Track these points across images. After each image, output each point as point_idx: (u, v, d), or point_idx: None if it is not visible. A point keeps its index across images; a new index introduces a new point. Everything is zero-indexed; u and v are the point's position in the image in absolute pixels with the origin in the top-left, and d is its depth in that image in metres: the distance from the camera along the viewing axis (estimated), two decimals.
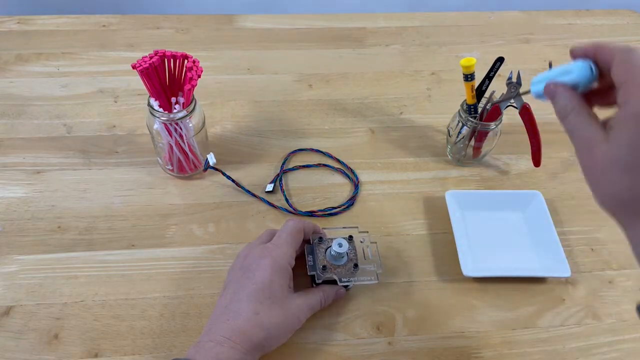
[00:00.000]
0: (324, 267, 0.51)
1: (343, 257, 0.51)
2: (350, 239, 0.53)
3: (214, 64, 0.82)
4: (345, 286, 0.54)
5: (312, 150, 0.70)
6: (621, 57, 0.35)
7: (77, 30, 0.87)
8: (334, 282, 0.51)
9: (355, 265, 0.51)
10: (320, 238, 0.53)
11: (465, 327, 0.54)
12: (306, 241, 0.54)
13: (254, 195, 0.64)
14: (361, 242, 0.54)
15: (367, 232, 0.55)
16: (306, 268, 0.51)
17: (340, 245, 0.50)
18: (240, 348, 0.43)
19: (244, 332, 0.44)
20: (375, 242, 0.54)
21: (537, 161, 0.67)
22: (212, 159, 0.62)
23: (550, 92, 0.39)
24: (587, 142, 0.36)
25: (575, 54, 0.38)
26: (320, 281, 0.51)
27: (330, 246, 0.52)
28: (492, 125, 0.63)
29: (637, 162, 0.33)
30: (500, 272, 0.57)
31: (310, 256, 0.52)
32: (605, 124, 0.36)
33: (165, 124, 0.59)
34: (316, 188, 0.66)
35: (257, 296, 0.45)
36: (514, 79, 0.61)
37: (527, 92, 0.42)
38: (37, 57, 0.81)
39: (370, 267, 0.52)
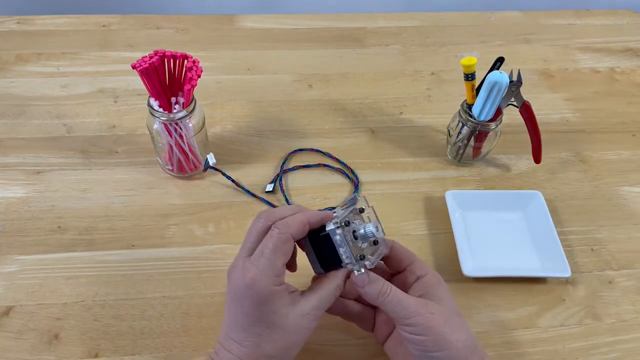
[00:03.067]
0: (362, 256, 0.43)
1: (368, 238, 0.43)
2: (361, 211, 0.45)
3: (214, 64, 0.82)
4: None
5: (312, 150, 0.70)
6: (394, 246, 0.45)
7: (77, 30, 0.87)
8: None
9: (375, 242, 0.43)
10: (347, 222, 0.43)
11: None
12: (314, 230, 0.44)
13: (253, 195, 0.64)
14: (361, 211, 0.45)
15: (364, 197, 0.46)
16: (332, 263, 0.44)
17: (377, 228, 0.42)
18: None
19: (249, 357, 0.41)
20: (372, 206, 0.45)
21: (537, 158, 0.67)
22: (211, 159, 0.61)
23: (361, 279, 0.42)
24: (419, 306, 0.41)
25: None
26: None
27: (357, 230, 0.43)
28: (492, 125, 0.63)
29: (450, 324, 0.41)
30: (500, 272, 0.57)
31: (342, 248, 0.42)
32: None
33: (165, 124, 0.59)
34: (316, 188, 0.66)
35: (252, 329, 0.41)
36: (514, 79, 0.61)
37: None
38: (37, 57, 0.81)
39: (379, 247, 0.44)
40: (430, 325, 0.40)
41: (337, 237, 0.41)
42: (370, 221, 0.44)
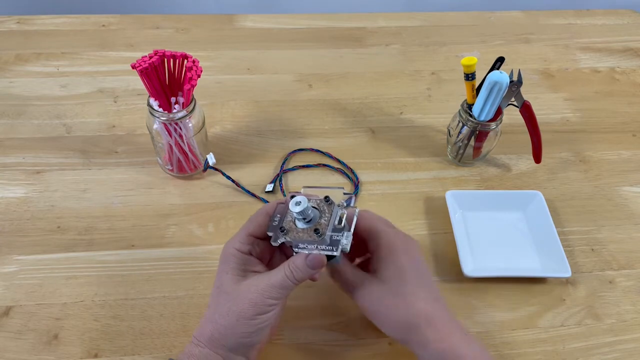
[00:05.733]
0: (283, 228, 0.43)
1: (311, 220, 0.43)
2: (327, 200, 0.44)
3: (213, 64, 0.82)
4: (332, 257, 0.43)
5: (312, 150, 0.70)
6: (362, 220, 0.46)
7: (76, 30, 0.87)
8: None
9: (316, 231, 0.42)
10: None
11: (466, 327, 0.53)
12: None
13: (253, 195, 0.63)
14: (339, 205, 0.44)
15: (352, 194, 0.48)
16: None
17: (298, 203, 0.41)
18: (198, 342, 0.42)
19: (201, 326, 0.43)
20: (356, 208, 0.45)
21: (537, 157, 0.67)
22: (211, 159, 0.61)
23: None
24: (362, 284, 0.44)
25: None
26: (279, 242, 0.43)
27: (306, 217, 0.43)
28: (493, 125, 0.63)
29: (406, 289, 0.42)
30: (500, 272, 0.57)
31: (279, 215, 0.44)
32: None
33: (165, 124, 0.58)
34: None
35: (212, 292, 0.44)
36: (515, 78, 0.61)
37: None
38: (37, 57, 0.81)
39: (343, 238, 0.42)
40: (364, 302, 0.44)
41: (281, 240, 0.43)
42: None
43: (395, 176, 0.68)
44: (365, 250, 0.48)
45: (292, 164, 0.68)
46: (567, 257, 0.56)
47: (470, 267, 0.56)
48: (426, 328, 0.41)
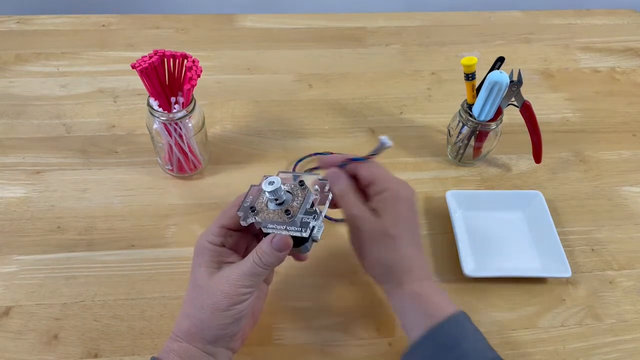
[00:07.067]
0: (253, 208, 0.42)
1: (284, 202, 0.42)
2: (301, 184, 0.43)
3: (213, 64, 0.82)
4: (303, 240, 0.43)
5: (316, 154, 0.69)
6: (369, 166, 0.47)
7: (76, 30, 0.87)
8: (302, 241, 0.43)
9: (287, 212, 0.41)
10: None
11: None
12: None
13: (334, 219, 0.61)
14: (314, 191, 0.44)
15: (327, 181, 0.46)
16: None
17: (271, 183, 0.41)
18: (176, 338, 0.43)
19: (178, 322, 0.43)
20: (329, 193, 0.45)
21: (537, 157, 0.67)
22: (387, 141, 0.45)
23: (334, 174, 0.47)
24: (359, 217, 0.45)
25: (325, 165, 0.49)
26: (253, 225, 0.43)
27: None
28: (493, 125, 0.63)
29: (398, 232, 0.45)
30: (500, 272, 0.57)
31: (251, 197, 0.44)
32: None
33: (164, 124, 0.58)
34: None
35: (188, 286, 0.44)
36: (515, 78, 0.61)
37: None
38: (37, 57, 0.81)
39: (313, 220, 0.42)
40: (356, 237, 0.46)
41: (250, 220, 0.42)
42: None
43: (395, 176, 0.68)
44: (365, 195, 0.48)
45: (299, 168, 0.68)
46: (567, 257, 0.56)
47: (471, 267, 0.56)
48: (405, 270, 0.45)
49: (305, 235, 0.41)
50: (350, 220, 0.46)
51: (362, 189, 0.48)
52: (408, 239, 0.45)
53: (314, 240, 0.44)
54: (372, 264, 0.46)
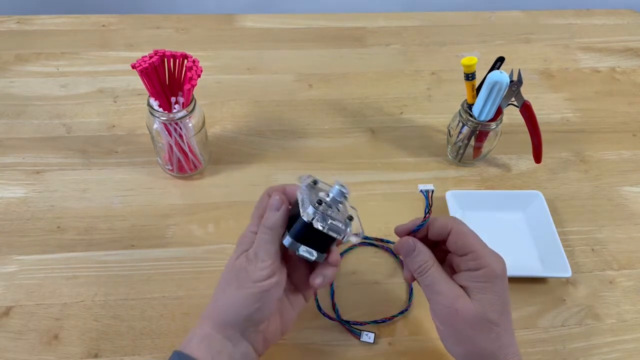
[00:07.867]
0: (320, 200, 0.41)
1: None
2: (315, 183, 0.44)
3: (213, 64, 0.82)
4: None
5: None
6: (457, 228, 0.43)
7: (76, 30, 0.87)
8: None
9: (350, 218, 0.42)
10: (315, 182, 0.43)
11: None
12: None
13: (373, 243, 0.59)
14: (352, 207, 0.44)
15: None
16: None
17: (343, 187, 0.42)
18: (200, 324, 0.43)
19: (206, 309, 0.44)
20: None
21: (538, 157, 0.67)
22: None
23: (408, 247, 0.44)
24: (453, 299, 0.41)
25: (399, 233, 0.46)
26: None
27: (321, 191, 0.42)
28: (493, 125, 0.63)
29: (497, 317, 0.41)
30: None
31: (306, 198, 0.42)
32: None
33: (165, 124, 0.58)
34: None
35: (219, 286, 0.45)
36: (515, 78, 0.61)
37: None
38: (37, 56, 0.81)
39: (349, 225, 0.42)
40: (451, 322, 0.42)
41: (319, 224, 0.40)
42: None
43: (395, 176, 0.68)
44: (441, 258, 0.45)
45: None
46: (568, 257, 0.56)
47: None
48: (500, 359, 0.42)
49: (347, 231, 0.41)
50: (437, 297, 0.42)
51: (440, 246, 0.45)
52: (507, 324, 0.42)
53: (343, 238, 0.42)
54: (463, 348, 0.43)
